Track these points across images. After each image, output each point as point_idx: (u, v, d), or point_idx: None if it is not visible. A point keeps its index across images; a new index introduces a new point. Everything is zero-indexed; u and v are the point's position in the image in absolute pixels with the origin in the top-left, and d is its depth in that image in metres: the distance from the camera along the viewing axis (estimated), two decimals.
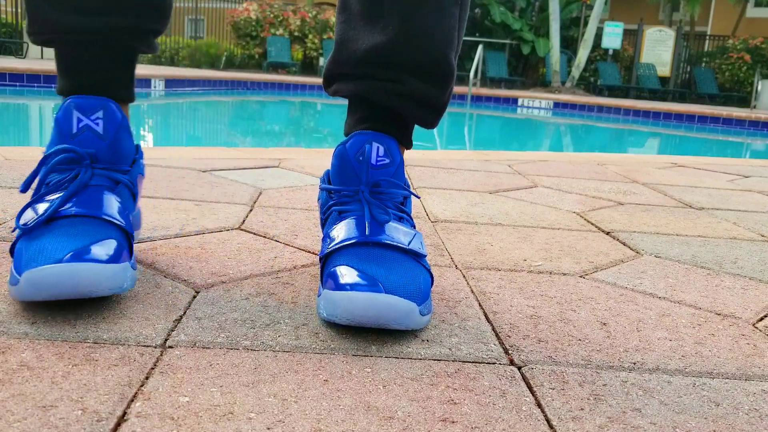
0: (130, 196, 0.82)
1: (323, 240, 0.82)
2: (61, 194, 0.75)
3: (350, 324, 0.69)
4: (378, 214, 0.79)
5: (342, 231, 0.79)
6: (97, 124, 0.79)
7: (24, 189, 0.77)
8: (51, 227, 0.73)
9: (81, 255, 0.68)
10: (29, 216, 0.74)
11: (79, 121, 0.79)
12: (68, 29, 0.81)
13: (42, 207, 0.75)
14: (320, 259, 0.80)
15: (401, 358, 0.67)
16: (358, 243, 0.77)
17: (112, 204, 0.77)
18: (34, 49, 10.63)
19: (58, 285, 0.66)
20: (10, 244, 0.75)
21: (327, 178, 0.89)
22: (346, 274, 0.72)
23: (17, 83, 7.26)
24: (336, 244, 0.78)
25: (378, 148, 0.83)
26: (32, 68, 7.42)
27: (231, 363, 0.63)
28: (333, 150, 0.86)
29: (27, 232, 0.73)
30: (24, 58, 10.30)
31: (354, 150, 0.83)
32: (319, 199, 0.90)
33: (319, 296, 0.75)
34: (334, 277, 0.72)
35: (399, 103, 0.85)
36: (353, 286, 0.69)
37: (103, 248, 0.71)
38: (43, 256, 0.68)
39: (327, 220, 0.85)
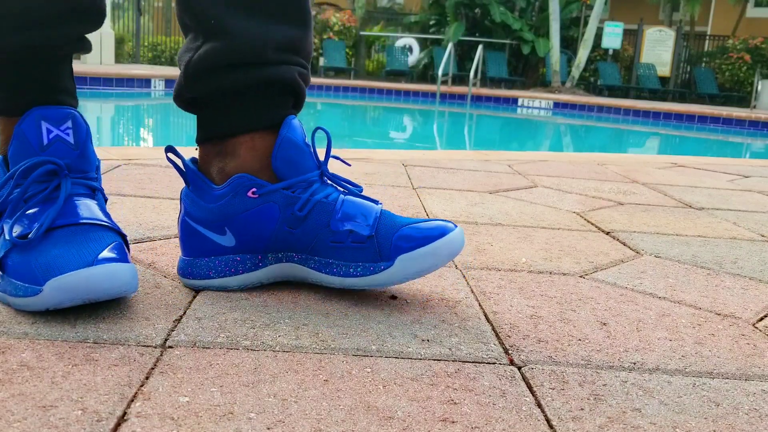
0: (104, 201, 0.84)
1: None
2: (43, 206, 0.76)
3: None
4: None
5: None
6: (68, 134, 0.79)
7: (2, 206, 0.77)
8: (52, 237, 0.73)
9: (107, 258, 0.70)
10: (19, 229, 0.74)
11: (49, 131, 0.78)
12: (10, 48, 0.79)
13: (30, 219, 0.75)
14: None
15: (401, 358, 0.67)
16: None
17: (100, 210, 0.79)
18: None
19: (91, 288, 0.68)
20: None
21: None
22: None
23: None
24: None
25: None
26: None
27: (231, 363, 0.63)
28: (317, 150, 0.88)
29: (24, 245, 0.72)
30: None
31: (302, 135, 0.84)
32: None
33: None
34: None
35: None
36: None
37: (118, 251, 0.72)
38: (67, 262, 0.69)
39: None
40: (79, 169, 0.80)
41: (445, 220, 0.81)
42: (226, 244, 0.82)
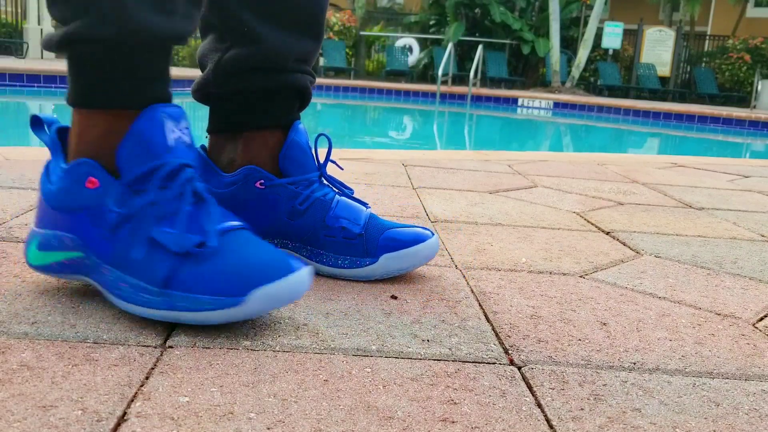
0: None
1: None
2: (195, 212, 0.71)
3: None
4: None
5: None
6: (186, 134, 0.75)
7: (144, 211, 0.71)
8: (226, 245, 0.70)
9: (296, 264, 0.70)
10: (183, 239, 0.69)
11: (172, 131, 0.73)
12: (150, 32, 0.71)
13: (184, 227, 0.70)
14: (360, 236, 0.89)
15: (401, 358, 0.67)
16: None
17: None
18: (34, 49, 10.63)
19: (292, 295, 0.69)
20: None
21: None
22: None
23: (17, 83, 7.26)
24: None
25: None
26: (32, 68, 7.42)
27: (231, 363, 0.63)
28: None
29: (201, 256, 0.69)
30: (24, 58, 10.31)
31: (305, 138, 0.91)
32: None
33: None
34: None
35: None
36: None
37: (288, 255, 0.73)
38: (268, 270, 0.68)
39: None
40: (197, 169, 0.80)
41: (424, 228, 0.92)
42: None
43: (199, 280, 0.68)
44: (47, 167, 0.76)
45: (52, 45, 0.72)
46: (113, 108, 0.72)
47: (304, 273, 0.70)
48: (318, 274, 0.90)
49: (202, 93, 0.92)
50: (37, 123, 0.76)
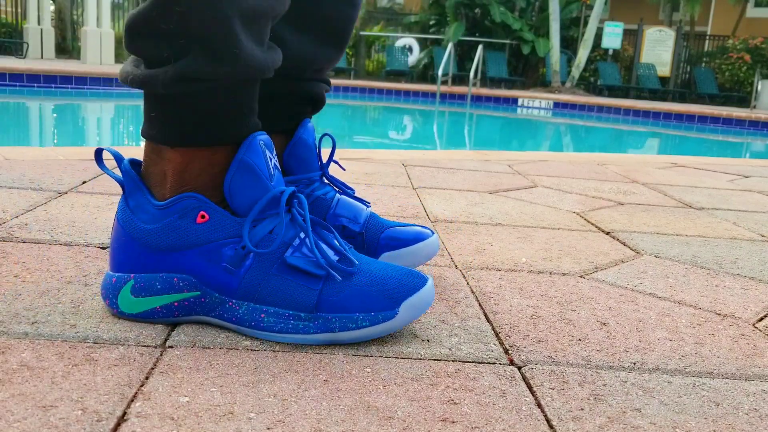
0: None
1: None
2: (316, 236, 0.73)
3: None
4: None
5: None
6: (275, 160, 0.75)
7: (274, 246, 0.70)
8: (357, 263, 0.73)
9: (423, 274, 0.74)
10: (325, 261, 0.70)
11: (271, 159, 0.72)
12: (266, 67, 0.72)
13: (318, 251, 0.71)
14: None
15: (401, 358, 0.67)
16: None
17: None
18: (34, 49, 10.63)
19: (428, 301, 0.72)
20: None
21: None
22: None
23: (17, 83, 7.26)
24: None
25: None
26: (32, 68, 7.42)
27: (231, 363, 0.63)
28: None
29: (347, 276, 0.71)
30: (24, 58, 10.31)
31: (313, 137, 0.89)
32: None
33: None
34: None
35: None
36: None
37: None
38: (408, 282, 0.71)
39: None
40: None
41: (424, 227, 0.92)
42: None
43: (350, 298, 0.70)
44: (128, 206, 0.71)
45: (155, 82, 0.67)
46: (220, 144, 0.70)
47: (431, 281, 0.73)
48: None
49: None
50: (99, 156, 0.73)
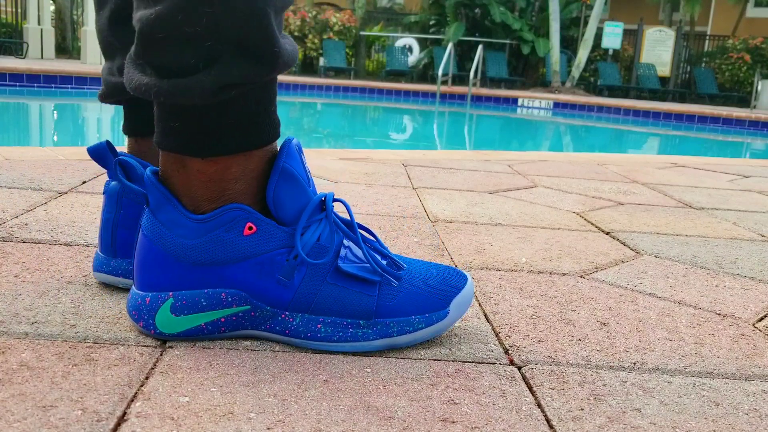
0: None
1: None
2: (352, 239, 0.71)
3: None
4: None
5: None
6: (307, 164, 0.72)
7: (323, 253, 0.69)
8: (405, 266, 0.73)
9: (460, 270, 0.75)
10: (377, 267, 0.69)
11: (304, 164, 0.70)
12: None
13: (360, 254, 0.71)
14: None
15: (401, 358, 0.67)
16: None
17: None
18: (33, 49, 10.63)
19: (470, 298, 0.73)
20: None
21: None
22: None
23: (17, 83, 7.27)
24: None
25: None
26: (32, 68, 7.42)
27: (231, 363, 0.63)
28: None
29: (389, 282, 0.70)
30: (24, 58, 10.31)
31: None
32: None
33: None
34: None
35: None
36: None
37: None
38: (453, 282, 0.72)
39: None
40: None
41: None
42: None
43: (405, 302, 0.69)
44: (158, 220, 0.67)
45: (190, 94, 0.61)
46: (255, 149, 0.66)
47: (471, 278, 0.74)
48: None
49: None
50: (103, 159, 0.69)
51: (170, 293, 0.67)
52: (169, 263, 0.66)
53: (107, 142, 0.77)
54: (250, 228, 0.66)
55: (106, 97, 0.81)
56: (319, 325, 0.68)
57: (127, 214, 0.78)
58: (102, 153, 0.76)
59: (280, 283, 0.67)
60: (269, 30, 0.61)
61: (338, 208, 1.35)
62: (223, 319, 0.67)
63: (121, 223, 0.78)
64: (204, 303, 0.67)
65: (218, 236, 0.65)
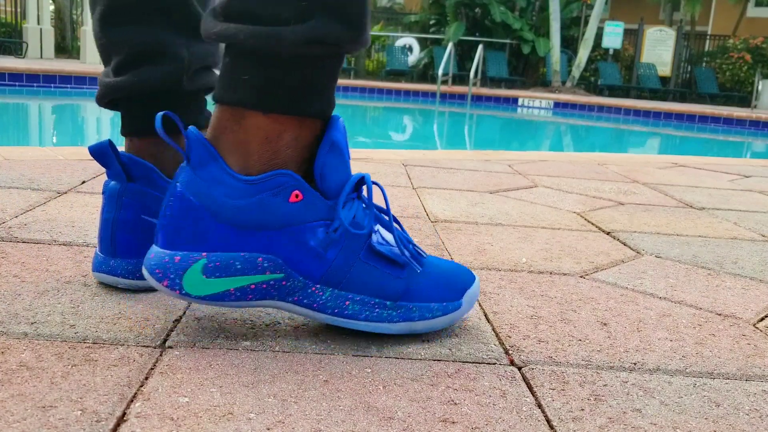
0: None
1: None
2: (383, 221, 0.72)
3: None
4: None
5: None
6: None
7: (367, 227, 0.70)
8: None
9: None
10: (401, 250, 0.70)
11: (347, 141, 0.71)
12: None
13: (390, 237, 0.72)
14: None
15: (401, 359, 0.67)
16: None
17: None
18: (33, 49, 10.63)
19: (478, 292, 0.76)
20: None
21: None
22: None
23: (17, 83, 7.27)
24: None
25: None
26: (32, 68, 7.42)
27: (231, 363, 0.63)
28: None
29: (415, 268, 0.72)
30: (23, 57, 10.31)
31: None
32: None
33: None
34: None
35: None
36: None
37: None
38: (464, 273, 0.75)
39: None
40: None
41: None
42: None
43: (427, 288, 0.71)
44: (200, 177, 0.65)
45: (280, 40, 0.62)
46: (313, 117, 0.67)
47: (477, 276, 0.77)
48: None
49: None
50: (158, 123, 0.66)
51: (203, 253, 0.65)
52: (206, 222, 0.64)
53: (109, 141, 0.77)
54: (297, 196, 0.66)
55: (101, 98, 0.82)
56: (347, 302, 0.68)
57: (126, 215, 0.78)
58: (104, 152, 0.76)
59: (316, 255, 0.67)
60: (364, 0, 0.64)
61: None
62: (253, 286, 0.66)
63: (121, 224, 0.78)
64: (238, 266, 0.65)
65: (264, 199, 0.65)
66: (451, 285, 0.73)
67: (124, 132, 0.82)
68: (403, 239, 0.72)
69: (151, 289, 0.80)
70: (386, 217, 0.73)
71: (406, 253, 0.71)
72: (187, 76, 0.81)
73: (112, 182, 0.79)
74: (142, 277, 0.79)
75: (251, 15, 0.63)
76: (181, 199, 0.65)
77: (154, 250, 0.67)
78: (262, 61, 0.64)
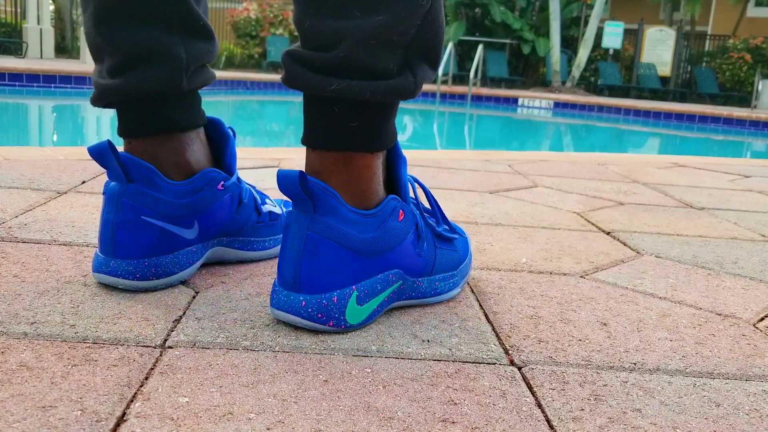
0: None
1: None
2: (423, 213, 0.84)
3: None
4: None
5: None
6: None
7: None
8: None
9: None
10: (451, 231, 0.88)
11: None
12: None
13: (431, 220, 0.86)
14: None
15: (401, 359, 0.67)
16: None
17: None
18: (33, 49, 10.63)
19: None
20: None
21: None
22: None
23: (17, 83, 7.26)
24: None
25: None
26: (31, 68, 7.42)
27: (231, 363, 0.63)
28: None
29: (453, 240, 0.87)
30: (23, 57, 10.31)
31: None
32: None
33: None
34: None
35: None
36: None
37: None
38: (462, 231, 0.92)
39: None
40: None
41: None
42: (190, 237, 0.83)
43: (462, 251, 0.88)
44: (327, 221, 0.70)
45: (407, 92, 0.71)
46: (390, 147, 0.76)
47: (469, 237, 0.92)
48: (250, 261, 0.94)
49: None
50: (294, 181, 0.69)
51: (353, 286, 0.72)
52: (349, 259, 0.71)
53: (108, 142, 0.76)
54: (402, 215, 0.76)
55: (97, 101, 0.82)
56: (437, 283, 0.82)
57: (126, 215, 0.78)
58: (103, 153, 0.76)
59: (417, 256, 0.78)
60: (442, 42, 0.73)
61: None
62: (386, 299, 0.75)
63: (120, 224, 0.78)
64: (379, 287, 0.74)
65: (388, 226, 0.74)
66: (461, 259, 0.87)
67: (122, 133, 0.82)
68: (440, 219, 0.86)
69: (150, 290, 0.80)
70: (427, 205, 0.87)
71: (451, 230, 0.86)
72: (186, 77, 0.81)
73: (112, 183, 0.79)
74: (141, 278, 0.79)
75: (363, 70, 0.68)
76: (322, 245, 0.70)
77: (302, 297, 0.71)
78: (373, 108, 0.71)
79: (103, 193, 0.79)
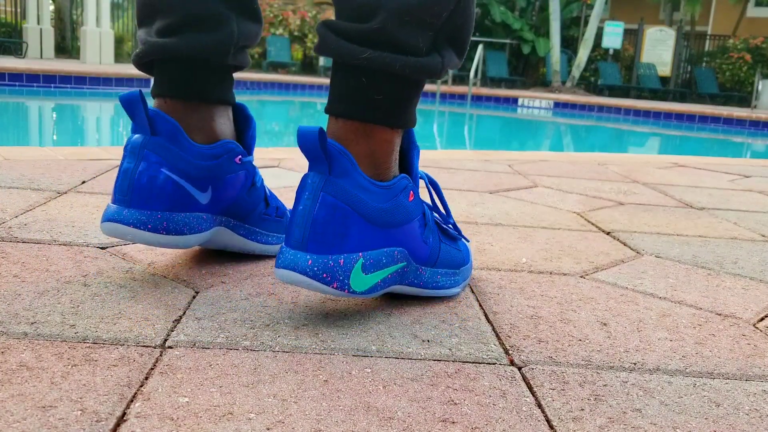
0: None
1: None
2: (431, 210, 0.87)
3: None
4: None
5: None
6: None
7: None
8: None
9: None
10: (456, 231, 0.89)
11: None
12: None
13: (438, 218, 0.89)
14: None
15: (401, 359, 0.67)
16: None
17: None
18: (33, 49, 10.63)
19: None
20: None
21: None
22: None
23: (16, 83, 7.26)
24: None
25: None
26: (31, 68, 7.42)
27: (231, 363, 0.63)
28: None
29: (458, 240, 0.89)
30: (23, 57, 10.31)
31: None
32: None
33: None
34: None
35: None
36: None
37: None
38: (466, 248, 0.92)
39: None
40: None
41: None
42: (203, 201, 0.84)
43: (465, 252, 0.89)
44: (344, 185, 0.71)
45: (434, 71, 0.73)
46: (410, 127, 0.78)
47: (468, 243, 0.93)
48: (250, 257, 0.94)
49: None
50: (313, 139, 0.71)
51: (360, 254, 0.72)
52: (359, 225, 0.72)
53: (140, 91, 0.78)
54: (412, 195, 0.77)
55: (142, 57, 0.84)
56: (439, 276, 0.83)
57: (146, 166, 0.79)
58: (133, 102, 0.78)
59: (423, 243, 0.79)
60: (470, 32, 0.76)
61: None
62: (389, 276, 0.75)
63: (140, 174, 0.79)
64: (384, 261, 0.74)
65: (399, 200, 0.75)
66: (464, 255, 0.88)
67: (156, 92, 0.84)
68: (448, 217, 0.87)
69: (150, 286, 0.80)
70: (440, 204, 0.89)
71: (456, 230, 0.88)
72: (233, 50, 0.84)
73: (135, 135, 0.80)
74: (152, 230, 0.79)
75: (395, 44, 0.70)
76: (335, 207, 0.71)
77: (309, 256, 0.70)
78: (399, 84, 0.73)
79: (125, 147, 0.81)
